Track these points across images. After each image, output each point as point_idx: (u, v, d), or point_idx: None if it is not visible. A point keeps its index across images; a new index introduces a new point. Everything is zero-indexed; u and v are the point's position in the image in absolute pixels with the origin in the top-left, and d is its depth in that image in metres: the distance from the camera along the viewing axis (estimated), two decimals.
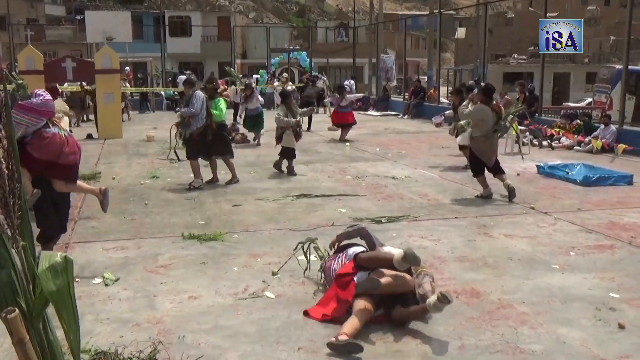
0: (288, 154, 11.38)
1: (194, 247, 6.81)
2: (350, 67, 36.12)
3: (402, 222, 7.89)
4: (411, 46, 48.12)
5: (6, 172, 1.33)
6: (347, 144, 16.04)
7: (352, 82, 25.82)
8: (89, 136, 17.38)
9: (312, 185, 10.40)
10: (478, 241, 7.09)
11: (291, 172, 11.37)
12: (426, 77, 34.39)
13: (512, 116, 10.30)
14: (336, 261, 5.38)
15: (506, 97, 19.69)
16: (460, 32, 48.83)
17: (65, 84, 20.58)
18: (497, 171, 9.51)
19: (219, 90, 11.11)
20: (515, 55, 36.66)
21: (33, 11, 55.24)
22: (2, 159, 1.35)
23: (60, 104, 10.89)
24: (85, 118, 22.33)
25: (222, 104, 10.75)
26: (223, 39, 42.37)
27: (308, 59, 36.03)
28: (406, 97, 26.67)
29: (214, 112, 10.41)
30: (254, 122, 16.25)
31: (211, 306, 5.16)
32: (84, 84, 20.20)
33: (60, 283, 1.41)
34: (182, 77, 28.34)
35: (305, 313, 4.96)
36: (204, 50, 45.15)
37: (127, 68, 27.02)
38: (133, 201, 9.31)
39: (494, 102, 9.61)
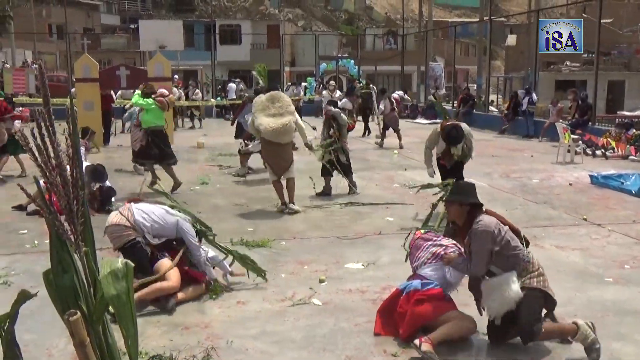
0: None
1: (243, 252, 6.87)
2: (399, 74, 35.97)
3: None
4: (460, 54, 47.69)
5: (70, 179, 1.38)
6: (395, 151, 15.97)
7: (401, 93, 25.73)
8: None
9: (360, 192, 10.38)
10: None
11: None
12: (475, 85, 34.01)
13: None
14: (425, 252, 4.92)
15: (559, 105, 19.31)
16: (511, 39, 48.08)
17: (119, 92, 21.06)
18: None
19: (153, 95, 10.66)
20: (568, 63, 35.89)
21: (89, 21, 56.87)
22: (67, 167, 1.40)
23: None
24: None
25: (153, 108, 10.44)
26: (272, 46, 42.72)
27: (356, 67, 36.05)
28: (455, 105, 26.42)
29: (143, 117, 10.39)
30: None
31: (258, 312, 5.21)
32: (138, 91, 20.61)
33: (121, 288, 1.46)
34: (232, 85, 28.76)
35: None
36: (253, 58, 45.52)
37: (177, 76, 27.50)
38: (182, 207, 9.44)
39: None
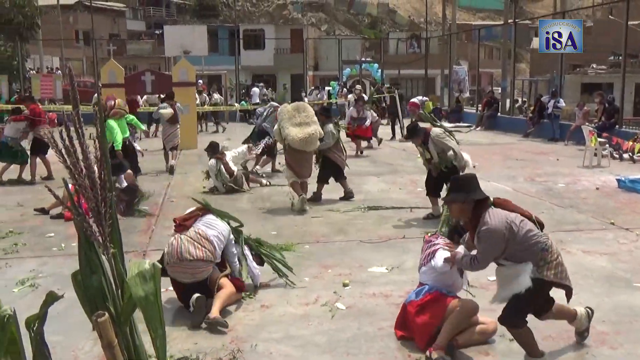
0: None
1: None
2: (422, 78, 35.85)
3: None
4: (484, 57, 47.37)
5: (98, 182, 1.40)
6: (419, 156, 15.88)
7: (425, 98, 25.59)
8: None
9: (383, 196, 10.36)
10: None
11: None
12: (500, 88, 33.74)
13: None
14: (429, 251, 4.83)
15: (585, 108, 19.08)
16: (536, 42, 47.71)
17: (145, 97, 21.29)
18: None
19: (107, 113, 10.82)
20: (594, 65, 35.43)
21: (115, 27, 57.60)
22: (95, 170, 1.42)
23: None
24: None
25: (110, 126, 10.42)
26: (295, 51, 42.82)
27: (379, 71, 35.99)
28: (479, 108, 26.26)
29: (117, 139, 10.49)
30: None
31: (282, 316, 5.22)
32: (162, 96, 20.82)
33: (149, 289, 1.47)
34: (256, 90, 28.88)
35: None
36: (276, 62, 45.81)
37: (200, 81, 27.72)
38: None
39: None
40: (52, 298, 1.39)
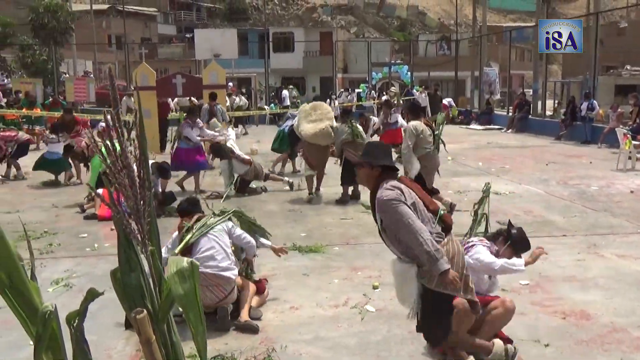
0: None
1: (296, 258, 6.91)
2: (452, 80, 35.62)
3: None
4: (515, 58, 46.83)
5: (138, 180, 1.42)
6: (449, 157, 15.78)
7: (451, 100, 25.47)
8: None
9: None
10: (588, 261, 6.78)
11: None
12: (531, 90, 33.35)
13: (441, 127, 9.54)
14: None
15: (619, 110, 18.75)
16: None
17: (175, 99, 21.50)
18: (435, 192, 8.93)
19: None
20: (629, 67, 34.82)
21: (147, 31, 58.34)
22: (134, 168, 1.45)
23: None
24: None
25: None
26: (325, 54, 42.88)
27: (409, 73, 35.85)
28: (510, 110, 25.98)
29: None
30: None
31: (312, 317, 5.23)
32: (193, 99, 21.02)
33: (188, 287, 1.49)
34: (286, 93, 28.92)
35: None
36: (306, 65, 45.93)
37: (231, 83, 27.92)
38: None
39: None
40: (92, 295, 1.41)
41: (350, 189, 10.39)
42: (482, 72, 30.73)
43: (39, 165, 12.47)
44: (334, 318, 5.20)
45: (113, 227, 8.53)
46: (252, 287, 5.30)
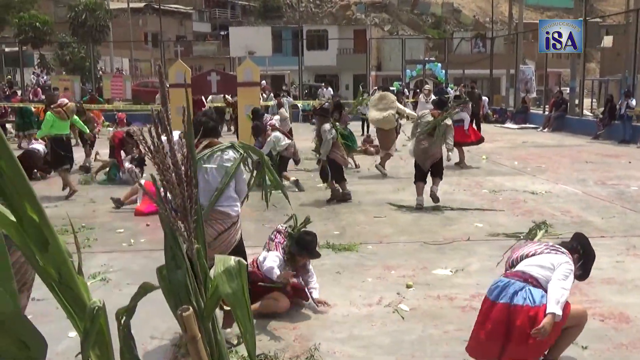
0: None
1: (329, 256, 6.90)
2: (487, 78, 35.23)
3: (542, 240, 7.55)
4: (552, 56, 46.14)
5: (185, 178, 1.43)
6: (484, 156, 15.62)
7: (486, 99, 25.18)
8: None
9: (447, 198, 10.21)
10: (627, 262, 6.64)
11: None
12: (568, 89, 32.83)
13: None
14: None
15: None
16: (607, 41, 46.07)
17: (210, 97, 21.66)
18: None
19: (52, 106, 11.28)
20: None
21: (182, 28, 58.95)
22: (182, 166, 1.46)
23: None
24: (226, 129, 23.36)
25: (47, 117, 10.99)
26: (358, 51, 42.79)
27: (443, 71, 35.58)
28: (546, 109, 25.60)
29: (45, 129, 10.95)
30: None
31: (346, 316, 5.21)
32: (227, 96, 21.16)
33: (236, 286, 1.50)
34: (326, 91, 28.77)
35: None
36: (339, 62, 45.88)
37: (264, 82, 28.03)
38: (271, 209, 9.59)
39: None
40: (145, 289, 1.43)
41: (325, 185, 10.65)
42: (518, 70, 30.34)
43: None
44: (368, 317, 5.18)
45: (149, 223, 8.65)
46: (285, 304, 5.22)
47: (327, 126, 10.00)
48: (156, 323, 5.05)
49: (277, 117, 13.38)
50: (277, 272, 5.16)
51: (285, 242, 5.50)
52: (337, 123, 10.61)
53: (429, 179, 9.61)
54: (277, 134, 11.57)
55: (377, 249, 7.28)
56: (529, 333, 3.69)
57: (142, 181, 9.71)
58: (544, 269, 3.95)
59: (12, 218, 1.26)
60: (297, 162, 12.17)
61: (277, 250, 5.43)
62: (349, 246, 7.26)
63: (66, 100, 11.95)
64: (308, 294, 5.42)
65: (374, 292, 5.74)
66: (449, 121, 9.57)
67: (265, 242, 5.71)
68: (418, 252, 7.12)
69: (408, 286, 5.89)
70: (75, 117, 12.28)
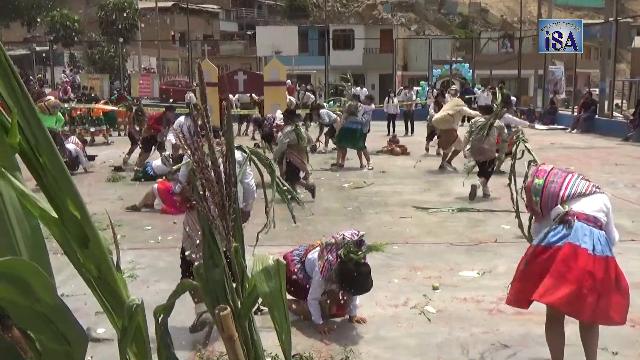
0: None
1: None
2: (515, 79, 34.89)
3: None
4: (581, 56, 45.55)
5: (224, 176, 1.44)
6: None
7: (514, 99, 24.92)
8: (256, 145, 18.22)
9: (474, 199, 10.13)
10: None
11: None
12: (597, 90, 32.38)
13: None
14: None
15: None
16: (638, 41, 45.38)
17: (237, 96, 21.77)
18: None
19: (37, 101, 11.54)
20: None
21: (209, 28, 59.29)
22: (221, 164, 1.46)
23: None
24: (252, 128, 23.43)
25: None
26: (385, 51, 42.66)
27: (470, 71, 35.32)
28: (575, 110, 25.27)
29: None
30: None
31: (372, 316, 5.20)
32: (254, 95, 21.25)
33: (274, 285, 1.50)
34: (364, 90, 28.67)
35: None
36: (365, 62, 45.77)
37: (289, 81, 28.04)
38: (296, 208, 9.60)
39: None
40: (183, 287, 1.44)
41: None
42: (546, 71, 30.00)
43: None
44: (394, 318, 5.16)
45: (175, 221, 8.71)
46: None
47: (287, 129, 10.25)
48: (182, 318, 5.09)
49: (279, 115, 13.26)
50: (318, 319, 4.89)
51: (334, 267, 4.82)
52: (303, 125, 10.86)
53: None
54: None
55: (403, 249, 7.25)
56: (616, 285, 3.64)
57: (155, 185, 9.74)
58: (601, 212, 3.85)
59: (54, 214, 1.28)
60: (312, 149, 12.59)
61: (322, 274, 4.85)
62: (374, 247, 7.19)
63: (52, 98, 12.27)
64: (347, 312, 5.12)
65: (400, 293, 5.72)
66: (499, 122, 10.34)
67: (318, 247, 5.10)
68: (444, 253, 7.07)
69: (434, 288, 5.86)
70: (59, 114, 12.67)
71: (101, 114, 19.59)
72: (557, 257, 3.66)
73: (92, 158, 14.28)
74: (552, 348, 3.97)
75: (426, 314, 5.23)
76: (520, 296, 3.87)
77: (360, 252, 4.85)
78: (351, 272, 4.68)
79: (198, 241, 4.67)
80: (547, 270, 3.67)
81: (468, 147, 10.30)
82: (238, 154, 4.62)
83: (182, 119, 12.29)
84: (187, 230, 4.92)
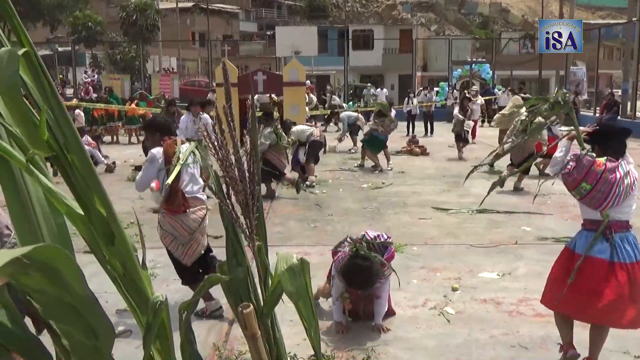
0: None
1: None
2: (535, 79, 34.60)
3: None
4: (603, 57, 45.04)
5: (247, 174, 1.45)
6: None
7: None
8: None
9: (494, 200, 10.05)
10: None
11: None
12: (620, 90, 31.99)
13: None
14: None
15: None
16: None
17: (256, 96, 21.81)
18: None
19: None
20: None
21: (229, 28, 59.54)
22: (245, 163, 1.47)
23: None
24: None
25: None
26: (404, 51, 42.51)
27: (490, 72, 35.09)
28: (597, 111, 25.00)
29: None
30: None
31: (390, 317, 5.18)
32: (273, 96, 21.28)
33: (299, 284, 1.51)
34: (384, 91, 28.62)
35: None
36: (385, 62, 45.66)
37: (308, 81, 28.07)
38: (314, 209, 9.63)
39: None
40: (210, 282, 1.45)
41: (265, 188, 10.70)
42: (567, 71, 29.73)
43: None
44: (413, 319, 5.15)
45: None
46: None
47: (266, 130, 10.43)
48: (201, 318, 5.12)
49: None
50: (338, 317, 4.97)
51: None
52: (279, 126, 11.02)
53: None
54: (299, 127, 12.17)
55: (422, 250, 7.23)
56: None
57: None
58: (632, 210, 4.04)
59: (80, 211, 1.29)
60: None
61: (336, 267, 4.99)
62: (394, 247, 7.20)
63: None
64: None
65: (419, 294, 5.70)
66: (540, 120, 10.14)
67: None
68: (464, 254, 7.04)
69: (454, 289, 5.83)
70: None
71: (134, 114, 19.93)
72: (598, 274, 3.88)
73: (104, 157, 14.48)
74: (561, 330, 4.19)
75: (445, 315, 5.21)
76: (561, 302, 4.04)
77: (374, 255, 4.82)
78: (351, 266, 4.74)
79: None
80: (588, 283, 3.90)
81: (508, 145, 10.30)
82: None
83: (185, 117, 12.20)
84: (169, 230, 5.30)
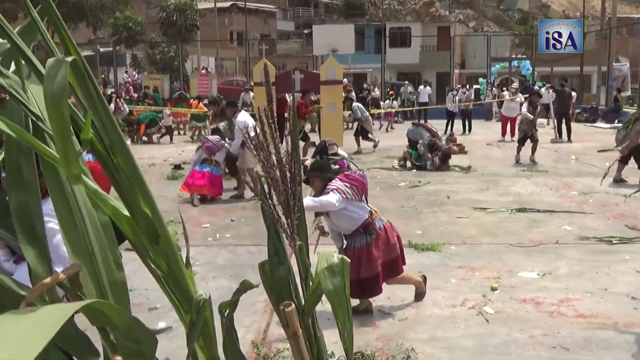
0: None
1: (412, 256, 6.84)
2: (577, 76, 33.98)
3: (636, 245, 7.23)
4: None
5: (289, 175, 1.47)
6: (573, 157, 15.10)
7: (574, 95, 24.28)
8: (312, 144, 18.30)
9: (533, 199, 9.94)
10: None
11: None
12: None
13: None
14: None
15: None
16: None
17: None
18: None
19: None
20: None
21: (266, 27, 59.87)
22: (286, 164, 1.49)
23: None
24: (310, 128, 23.55)
25: None
26: (442, 48, 42.19)
27: (530, 68, 34.58)
28: None
29: None
30: None
31: (429, 316, 5.17)
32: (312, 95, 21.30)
33: (337, 283, 1.52)
34: (427, 89, 28.52)
35: None
36: (422, 60, 45.36)
37: (345, 80, 28.05)
38: None
39: None
40: (245, 286, 1.47)
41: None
42: (610, 67, 29.12)
43: None
44: (451, 318, 5.12)
45: (233, 219, 8.86)
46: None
47: (222, 125, 10.91)
48: (239, 317, 5.17)
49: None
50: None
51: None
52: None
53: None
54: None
55: (461, 249, 7.17)
56: None
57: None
58: None
59: (125, 212, 1.33)
60: None
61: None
62: (431, 246, 7.18)
63: None
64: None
65: (458, 294, 5.66)
66: None
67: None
68: (503, 254, 6.96)
69: (493, 288, 5.77)
70: None
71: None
72: None
73: None
74: None
75: (484, 314, 5.17)
76: None
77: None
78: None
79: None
80: None
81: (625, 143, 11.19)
82: None
83: (241, 117, 11.99)
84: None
